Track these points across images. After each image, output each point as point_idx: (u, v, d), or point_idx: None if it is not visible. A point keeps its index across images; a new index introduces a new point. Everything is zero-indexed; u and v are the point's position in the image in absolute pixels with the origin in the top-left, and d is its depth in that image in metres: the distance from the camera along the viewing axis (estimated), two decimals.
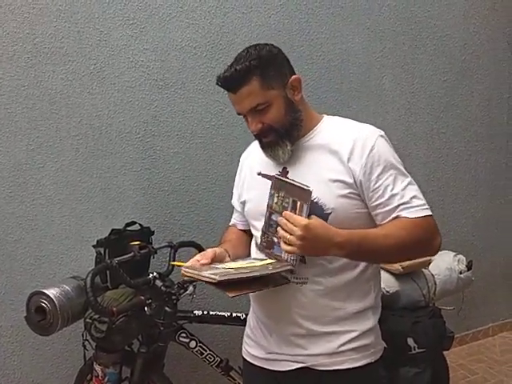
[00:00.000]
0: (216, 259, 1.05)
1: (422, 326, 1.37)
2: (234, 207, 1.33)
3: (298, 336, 1.09)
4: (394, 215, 1.03)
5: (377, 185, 1.03)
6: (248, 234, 1.28)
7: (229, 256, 1.11)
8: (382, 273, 1.50)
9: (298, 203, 0.97)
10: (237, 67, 1.02)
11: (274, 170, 1.13)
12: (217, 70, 1.94)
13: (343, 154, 1.05)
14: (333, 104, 2.21)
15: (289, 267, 0.98)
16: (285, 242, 0.94)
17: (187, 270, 0.95)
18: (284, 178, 1.03)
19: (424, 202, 1.06)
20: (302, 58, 2.13)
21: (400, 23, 2.33)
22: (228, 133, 2.01)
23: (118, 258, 1.45)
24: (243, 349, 1.24)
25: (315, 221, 0.95)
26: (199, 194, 2.00)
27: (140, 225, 1.79)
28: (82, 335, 1.52)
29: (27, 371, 1.81)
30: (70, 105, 1.79)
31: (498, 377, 2.27)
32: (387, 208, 1.03)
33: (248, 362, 1.21)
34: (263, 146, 1.11)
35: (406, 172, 1.09)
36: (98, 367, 1.53)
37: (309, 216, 0.96)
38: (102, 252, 1.59)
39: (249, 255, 1.21)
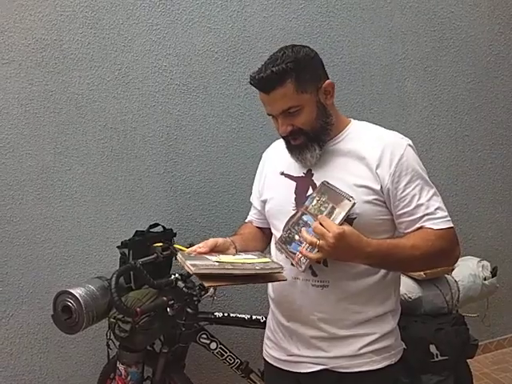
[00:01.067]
0: (217, 249, 1.04)
1: (444, 333, 1.35)
2: (252, 204, 1.32)
3: (319, 339, 1.10)
4: (418, 225, 1.05)
5: (404, 194, 1.04)
6: (263, 231, 1.29)
7: (235, 248, 1.10)
8: (404, 279, 1.49)
9: (336, 210, 0.96)
10: (273, 69, 1.01)
11: (298, 172, 1.13)
12: (238, 75, 2.00)
13: (371, 160, 1.05)
14: (354, 107, 2.20)
15: (279, 270, 0.98)
16: (311, 245, 0.94)
17: (179, 256, 0.98)
18: (331, 186, 1.02)
19: (447, 213, 1.08)
20: (323, 61, 2.12)
21: (422, 24, 2.30)
22: (248, 136, 2.03)
23: (142, 259, 1.48)
24: (264, 351, 1.25)
25: (349, 229, 0.94)
26: (220, 197, 2.02)
27: (163, 227, 1.82)
28: (106, 334, 1.55)
29: (53, 368, 1.86)
30: (95, 109, 1.83)
31: None
32: (412, 217, 1.05)
33: (269, 363, 1.21)
34: (291, 149, 1.11)
35: (430, 182, 1.10)
36: (121, 366, 1.57)
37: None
38: (126, 253, 1.62)
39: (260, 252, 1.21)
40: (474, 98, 2.44)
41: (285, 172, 1.16)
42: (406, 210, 1.05)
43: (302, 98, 1.03)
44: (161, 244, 1.60)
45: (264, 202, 1.21)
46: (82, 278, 1.81)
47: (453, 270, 1.57)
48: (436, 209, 1.06)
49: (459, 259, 1.70)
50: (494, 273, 1.63)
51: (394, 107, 2.28)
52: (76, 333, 1.52)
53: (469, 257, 1.74)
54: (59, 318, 1.51)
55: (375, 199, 1.05)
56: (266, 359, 1.23)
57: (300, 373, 1.12)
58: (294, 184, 1.13)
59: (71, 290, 1.50)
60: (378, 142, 1.07)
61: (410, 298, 1.43)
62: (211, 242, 1.05)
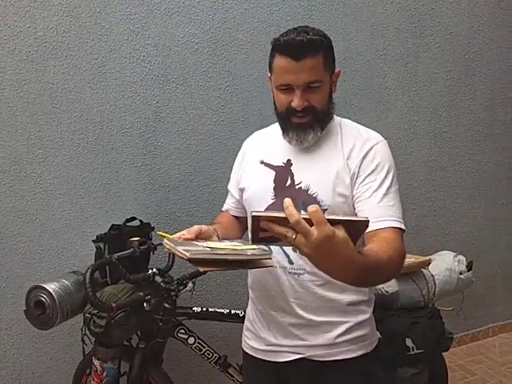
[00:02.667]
0: (201, 236, 1.02)
1: (420, 326, 1.36)
2: (229, 192, 1.30)
3: (296, 326, 1.11)
4: (368, 213, 0.98)
5: (364, 182, 1.05)
6: (239, 221, 1.28)
7: (217, 236, 1.09)
8: None
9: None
10: (312, 37, 0.99)
11: (278, 161, 1.13)
12: (218, 66, 1.97)
13: (345, 152, 1.08)
14: (335, 101, 2.19)
15: (268, 256, 0.95)
16: (285, 240, 0.72)
17: (167, 242, 0.95)
18: (338, 217, 0.73)
19: (400, 214, 1.03)
20: None
21: (404, 20, 2.31)
22: (229, 129, 2.01)
23: (118, 254, 1.45)
24: (243, 342, 1.25)
25: (342, 236, 0.70)
26: (200, 191, 2.00)
27: (140, 221, 1.79)
28: (81, 330, 1.53)
29: (27, 364, 1.82)
30: (70, 99, 1.78)
31: (498, 378, 2.26)
32: (366, 206, 1.03)
33: (248, 354, 1.21)
34: (290, 128, 1.08)
35: (395, 180, 1.08)
36: (96, 362, 1.54)
37: None
38: (102, 247, 1.59)
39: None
40: (453, 94, 2.47)
41: (264, 161, 1.16)
42: (362, 197, 1.04)
43: (324, 75, 1.03)
44: (138, 238, 1.57)
45: (242, 191, 1.20)
46: (56, 273, 1.78)
47: (429, 264, 1.59)
48: (391, 205, 1.03)
49: (436, 254, 1.75)
50: (469, 267, 1.66)
51: (374, 103, 2.29)
52: (49, 328, 1.50)
53: (445, 251, 1.76)
54: (32, 313, 1.48)
55: (345, 193, 1.05)
56: (245, 350, 1.23)
57: (278, 362, 1.13)
58: (273, 173, 1.13)
59: (44, 285, 1.47)
60: (352, 137, 1.10)
61: (387, 291, 1.44)
62: (196, 228, 1.02)
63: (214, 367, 1.65)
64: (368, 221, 0.74)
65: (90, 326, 1.45)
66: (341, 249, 0.70)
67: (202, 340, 1.63)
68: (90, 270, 1.32)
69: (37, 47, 1.72)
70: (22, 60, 1.71)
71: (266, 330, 1.15)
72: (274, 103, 1.12)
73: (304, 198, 1.06)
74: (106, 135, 1.84)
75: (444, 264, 1.63)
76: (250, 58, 2.02)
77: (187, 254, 0.84)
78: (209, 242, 0.98)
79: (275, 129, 1.21)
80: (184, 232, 1.00)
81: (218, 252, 0.89)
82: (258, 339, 1.18)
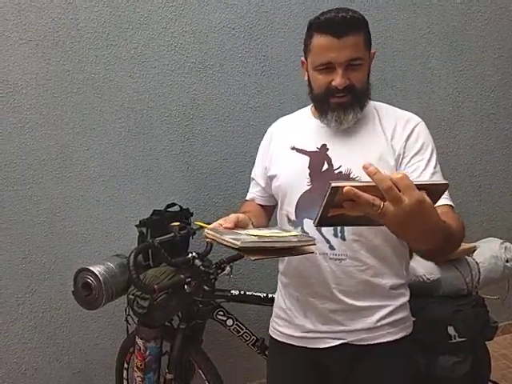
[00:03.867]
0: (239, 224, 1.01)
1: (463, 314, 1.32)
2: (253, 180, 1.28)
3: (337, 312, 1.10)
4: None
5: (410, 162, 1.05)
6: (264, 209, 1.26)
7: (252, 224, 1.08)
8: (424, 260, 1.46)
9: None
10: (353, 15, 1.00)
11: (311, 147, 1.12)
12: (255, 52, 1.96)
13: (387, 133, 1.08)
14: (376, 84, 2.10)
15: (313, 242, 0.94)
16: (373, 207, 0.65)
17: (210, 232, 0.93)
18: (422, 182, 0.72)
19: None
20: None
21: None
22: (265, 115, 2.00)
23: (160, 238, 1.49)
24: (272, 328, 1.24)
25: (429, 199, 0.68)
26: (236, 177, 2.02)
27: (180, 206, 1.83)
28: (125, 310, 1.60)
29: (75, 341, 1.93)
30: (112, 89, 1.83)
31: None
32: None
33: (278, 341, 1.20)
34: (329, 109, 1.06)
35: (436, 161, 1.08)
36: (139, 341, 1.61)
37: None
38: (145, 232, 1.64)
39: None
40: (502, 74, 2.33)
41: (296, 147, 1.14)
42: (410, 178, 1.00)
43: (365, 53, 1.04)
44: (178, 223, 1.61)
45: (272, 178, 1.18)
46: (101, 256, 1.86)
47: (474, 251, 1.53)
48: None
49: (481, 241, 1.69)
50: None
51: (417, 84, 2.20)
52: (96, 309, 1.56)
53: (491, 238, 1.69)
54: (79, 294, 1.55)
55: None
56: (275, 337, 1.22)
57: (317, 348, 1.12)
58: (307, 159, 1.11)
59: (91, 268, 1.53)
60: (392, 118, 1.10)
61: (428, 279, 1.41)
62: (233, 217, 1.00)
63: (251, 349, 1.69)
64: (448, 184, 0.70)
65: (133, 306, 1.51)
66: (430, 214, 0.67)
67: (240, 322, 1.66)
68: (133, 254, 1.36)
69: (79, 38, 1.78)
70: (65, 51, 1.77)
71: (302, 317, 1.14)
72: (310, 86, 1.10)
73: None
74: (146, 123, 1.88)
75: (490, 251, 1.56)
76: (287, 42, 1.99)
77: (238, 243, 0.83)
78: (249, 230, 0.98)
79: (303, 114, 1.20)
80: (221, 221, 0.98)
81: (266, 240, 0.87)
82: (292, 326, 1.16)
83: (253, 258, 0.86)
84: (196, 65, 1.91)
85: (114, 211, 1.89)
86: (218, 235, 0.90)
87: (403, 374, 1.12)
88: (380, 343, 1.09)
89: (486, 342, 1.51)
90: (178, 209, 1.82)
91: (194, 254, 1.53)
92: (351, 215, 0.68)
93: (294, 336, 1.16)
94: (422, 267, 1.44)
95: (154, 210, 1.76)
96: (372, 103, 1.15)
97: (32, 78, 1.75)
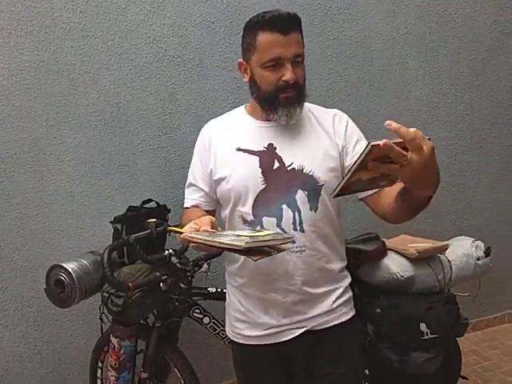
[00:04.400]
0: (213, 227, 0.98)
1: (435, 311, 1.35)
2: (192, 186, 1.25)
3: (299, 303, 1.14)
4: None
5: (354, 152, 1.13)
6: (210, 214, 1.20)
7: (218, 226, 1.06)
8: (398, 257, 1.49)
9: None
10: (293, 13, 1.06)
11: (257, 146, 1.13)
12: (235, 47, 1.94)
13: (329, 131, 1.15)
14: (354, 83, 2.16)
15: (292, 239, 0.97)
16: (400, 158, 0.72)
17: (195, 236, 0.90)
18: None
19: None
20: (323, 34, 2.07)
21: None
22: None
23: (135, 235, 1.47)
24: (232, 334, 1.23)
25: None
26: None
27: (157, 202, 1.81)
28: (99, 308, 1.57)
29: (47, 340, 1.88)
30: (87, 81, 1.79)
31: None
32: None
33: (241, 344, 1.20)
34: (278, 104, 1.09)
35: None
36: (114, 340, 1.58)
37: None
38: (120, 228, 1.61)
39: None
40: (476, 75, 2.39)
41: (242, 147, 1.14)
42: None
43: (303, 50, 1.10)
44: (154, 220, 1.59)
45: (219, 182, 1.16)
46: (74, 253, 1.82)
47: (446, 249, 1.56)
48: None
49: (453, 239, 1.72)
50: (487, 253, 1.63)
51: (394, 83, 2.23)
52: (69, 306, 1.54)
53: (463, 237, 1.73)
54: (52, 291, 1.52)
55: (336, 167, 1.13)
56: (238, 341, 1.21)
57: (281, 342, 1.15)
58: (256, 158, 1.12)
59: (64, 265, 1.50)
60: (327, 116, 1.18)
61: (402, 276, 1.43)
62: (208, 220, 0.98)
63: (228, 347, 1.68)
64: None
65: (107, 304, 1.49)
66: (435, 160, 0.76)
67: (216, 320, 1.65)
68: (107, 250, 1.34)
69: (54, 28, 1.73)
70: (39, 41, 1.72)
71: (263, 315, 1.15)
72: (256, 85, 1.12)
73: (301, 178, 1.10)
74: (122, 117, 1.85)
75: (461, 249, 1.60)
76: None
77: (242, 244, 0.81)
78: (228, 232, 0.97)
79: (238, 114, 1.22)
80: (192, 224, 0.96)
81: (259, 239, 0.86)
82: (253, 326, 1.17)
83: (255, 259, 0.86)
84: (175, 58, 1.89)
85: (88, 207, 1.85)
86: (209, 238, 0.88)
87: (357, 349, 1.23)
88: (336, 324, 1.16)
89: (457, 339, 1.55)
90: (155, 205, 1.80)
91: (170, 251, 1.51)
92: (365, 180, 0.75)
93: (257, 336, 1.17)
94: (396, 265, 1.47)
95: (130, 206, 1.73)
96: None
97: (4, 68, 1.69)
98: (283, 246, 0.93)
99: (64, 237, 1.84)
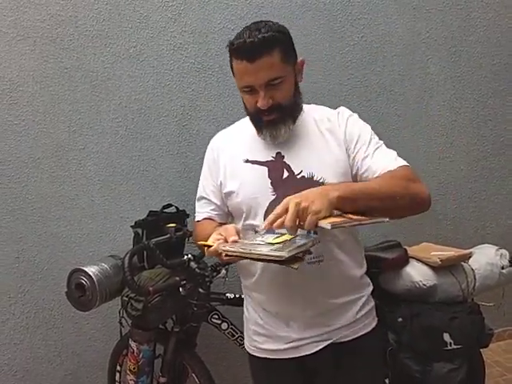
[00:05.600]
0: (238, 235, 0.97)
1: (459, 321, 1.32)
2: (203, 199, 1.24)
3: (320, 315, 1.11)
4: (371, 176, 1.06)
5: (355, 152, 1.09)
6: None
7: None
8: (420, 265, 1.47)
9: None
10: (264, 35, 0.98)
11: (265, 156, 1.12)
12: None
13: (334, 131, 1.12)
14: (374, 88, 2.14)
15: (317, 236, 0.96)
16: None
17: (227, 248, 0.89)
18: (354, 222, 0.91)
19: (395, 156, 1.09)
20: (343, 39, 2.06)
21: (448, 2, 2.20)
22: None
23: (155, 239, 1.47)
24: (252, 348, 1.21)
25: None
26: None
27: (176, 207, 1.82)
28: (119, 312, 1.58)
29: (67, 343, 1.90)
30: (110, 87, 1.82)
31: None
32: (365, 170, 1.08)
33: (262, 358, 1.17)
34: (262, 126, 1.09)
35: (377, 139, 1.13)
36: (133, 344, 1.59)
37: None
38: (140, 233, 1.62)
39: None
40: (500, 80, 2.34)
41: (250, 159, 1.13)
42: (358, 168, 1.09)
43: (285, 69, 1.03)
44: (174, 225, 1.60)
45: (228, 195, 1.16)
46: (95, 257, 1.84)
47: (470, 257, 1.53)
48: (383, 156, 1.08)
49: (476, 247, 1.69)
50: None
51: (415, 89, 2.20)
52: (89, 310, 1.55)
53: (486, 245, 1.69)
54: (73, 295, 1.54)
55: (346, 172, 1.10)
56: (258, 355, 1.18)
57: (304, 356, 1.12)
58: (264, 169, 1.11)
59: (85, 268, 1.52)
60: (331, 114, 1.15)
61: (424, 285, 1.40)
62: (232, 229, 0.98)
63: (245, 353, 1.67)
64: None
65: (127, 308, 1.49)
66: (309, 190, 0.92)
67: (234, 326, 1.65)
68: (128, 255, 1.35)
69: (78, 36, 1.76)
70: (63, 48, 1.75)
71: (285, 328, 1.13)
72: (244, 105, 1.12)
73: (312, 186, 1.04)
74: (143, 123, 1.87)
75: (485, 258, 1.56)
76: None
77: (285, 255, 0.80)
78: (253, 240, 0.94)
79: (245, 125, 1.19)
80: (216, 235, 0.96)
81: (297, 245, 0.86)
82: (274, 340, 1.14)
83: (296, 267, 0.84)
84: (195, 65, 1.90)
85: (109, 211, 1.87)
86: (244, 250, 0.86)
87: (380, 359, 1.22)
88: (360, 336, 1.13)
89: (480, 349, 1.51)
90: (175, 210, 1.81)
91: (189, 256, 1.51)
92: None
93: (279, 349, 1.14)
94: (418, 273, 1.44)
95: (150, 211, 1.74)
96: (306, 107, 1.18)
97: (29, 75, 1.73)
98: (312, 247, 0.93)
99: (85, 240, 1.86)
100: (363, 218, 0.91)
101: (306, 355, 1.11)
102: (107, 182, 1.86)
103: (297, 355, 1.12)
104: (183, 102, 1.90)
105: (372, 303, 1.20)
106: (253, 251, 0.85)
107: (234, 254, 0.87)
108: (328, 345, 1.11)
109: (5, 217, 1.77)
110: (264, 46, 0.98)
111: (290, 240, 0.89)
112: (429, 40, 2.20)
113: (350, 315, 1.12)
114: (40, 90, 1.75)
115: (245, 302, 1.25)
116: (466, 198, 2.36)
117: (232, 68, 1.07)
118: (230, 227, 0.99)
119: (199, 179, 1.91)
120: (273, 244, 0.87)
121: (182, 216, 1.78)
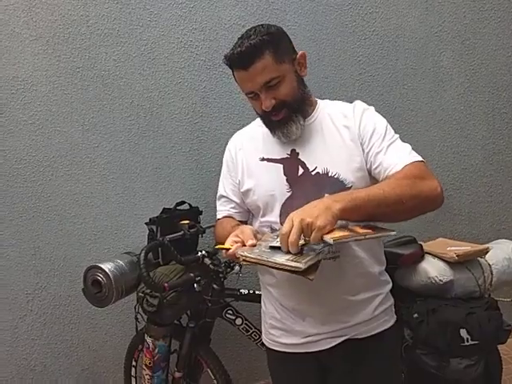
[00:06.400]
0: (255, 237, 0.98)
1: (476, 317, 1.30)
2: (223, 198, 1.27)
3: (337, 311, 1.10)
4: (384, 172, 1.05)
5: (369, 147, 1.08)
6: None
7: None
8: (436, 261, 1.45)
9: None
10: (250, 42, 1.01)
11: (280, 154, 1.13)
12: None
13: (349, 125, 1.11)
14: (386, 82, 2.12)
15: (331, 243, 0.94)
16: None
17: (245, 254, 0.89)
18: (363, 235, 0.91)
19: (410, 151, 1.07)
20: (354, 34, 2.04)
21: None
22: None
23: (170, 236, 1.49)
24: (269, 341, 1.22)
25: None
26: None
27: (189, 204, 1.82)
28: (135, 308, 1.59)
29: (83, 338, 1.93)
30: (121, 86, 1.83)
31: None
32: (378, 166, 1.06)
33: (279, 352, 1.18)
34: (273, 125, 1.10)
35: (393, 133, 1.12)
36: (148, 339, 1.61)
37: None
38: (154, 229, 1.64)
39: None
40: None
41: (265, 157, 1.15)
42: (372, 163, 1.08)
43: (281, 68, 1.04)
44: (187, 221, 1.61)
45: (246, 193, 1.17)
46: (111, 253, 1.86)
47: (486, 252, 1.51)
48: (398, 150, 1.06)
49: (492, 242, 1.67)
50: None
51: (428, 83, 2.18)
52: (105, 306, 1.56)
53: (503, 240, 1.67)
54: (89, 291, 1.55)
55: (362, 167, 1.08)
56: (275, 349, 1.20)
57: (321, 350, 1.12)
58: (280, 166, 1.12)
59: (101, 265, 1.53)
60: (347, 109, 1.14)
61: (441, 280, 1.39)
62: (249, 231, 0.98)
63: (259, 348, 1.68)
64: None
65: (143, 304, 1.51)
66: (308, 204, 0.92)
67: (248, 321, 1.65)
68: (144, 251, 1.36)
69: (89, 35, 1.77)
70: (75, 48, 1.77)
71: (301, 323, 1.13)
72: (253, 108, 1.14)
73: (327, 182, 1.06)
74: (155, 121, 1.88)
75: (502, 253, 1.54)
76: (298, 39, 1.97)
77: (302, 266, 0.80)
78: (271, 244, 0.93)
79: (260, 124, 1.19)
80: (233, 237, 0.97)
81: (310, 254, 0.86)
82: (291, 334, 1.15)
83: (311, 278, 0.84)
84: (206, 62, 1.90)
85: (123, 209, 1.89)
86: (262, 258, 0.86)
87: (398, 356, 1.22)
88: (378, 333, 1.12)
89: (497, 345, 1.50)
90: (188, 207, 1.82)
91: (203, 252, 1.52)
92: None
93: (295, 344, 1.15)
94: (434, 269, 1.43)
95: (164, 208, 1.75)
96: (319, 102, 1.18)
97: (42, 75, 1.75)
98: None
99: (100, 238, 1.88)
100: (368, 231, 0.91)
101: (322, 350, 1.12)
102: (121, 180, 1.87)
103: (312, 350, 1.13)
104: (195, 99, 1.91)
105: (391, 301, 1.19)
106: (270, 259, 0.85)
107: (253, 260, 0.88)
108: (344, 341, 1.11)
109: (21, 215, 1.80)
110: (253, 52, 1.01)
111: (306, 245, 0.89)
112: (441, 33, 2.17)
113: (367, 312, 1.12)
114: (53, 90, 1.77)
115: (262, 295, 1.26)
116: (481, 192, 2.33)
117: (235, 78, 1.10)
118: (247, 229, 1.00)
119: (211, 176, 1.95)
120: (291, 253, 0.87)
121: (195, 213, 1.79)
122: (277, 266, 0.84)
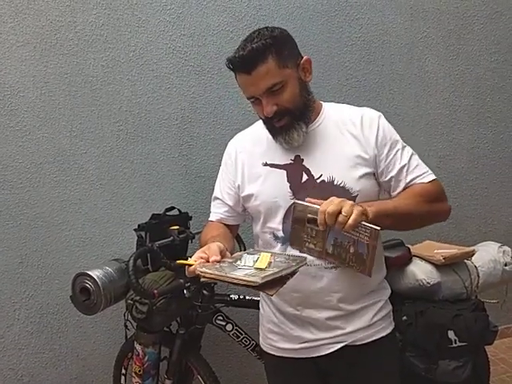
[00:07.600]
0: (222, 255, 0.93)
1: (463, 319, 1.32)
2: (217, 200, 1.23)
3: (335, 318, 1.10)
4: (403, 185, 1.09)
5: (387, 161, 1.09)
6: (231, 229, 1.21)
7: (226, 250, 0.99)
8: (423, 264, 1.47)
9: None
10: (253, 45, 0.99)
11: (284, 159, 1.10)
12: None
13: (357, 134, 1.09)
14: (373, 87, 2.15)
15: (306, 262, 0.97)
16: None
17: (207, 271, 0.85)
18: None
19: (427, 168, 1.12)
20: (341, 40, 2.07)
21: (445, 0, 2.21)
22: None
23: (159, 242, 1.48)
24: (266, 345, 1.21)
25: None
26: None
27: (179, 210, 1.82)
28: (124, 315, 1.58)
29: (72, 347, 1.90)
30: (110, 92, 1.82)
31: None
32: (398, 180, 1.09)
33: (277, 356, 1.17)
34: (275, 132, 1.08)
35: (405, 144, 1.14)
36: (138, 346, 1.59)
37: None
38: (143, 236, 1.63)
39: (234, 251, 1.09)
40: (498, 77, 2.35)
41: (268, 162, 1.12)
42: (391, 175, 1.09)
43: (284, 73, 1.02)
44: (177, 227, 1.60)
45: (247, 198, 1.15)
46: (99, 260, 1.84)
47: (473, 255, 1.53)
48: (416, 166, 1.10)
49: (479, 245, 1.69)
50: None
51: (414, 87, 2.21)
52: (94, 314, 1.55)
53: (489, 242, 1.70)
54: (78, 299, 1.54)
55: (368, 173, 1.08)
56: (272, 353, 1.19)
57: (318, 356, 1.12)
58: (283, 173, 1.10)
59: (89, 272, 1.52)
60: (355, 115, 1.12)
61: (428, 283, 1.40)
62: (215, 248, 0.94)
63: (250, 354, 1.68)
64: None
65: (132, 311, 1.50)
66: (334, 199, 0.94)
67: (239, 327, 1.65)
68: (133, 258, 1.35)
69: (77, 41, 1.77)
70: (63, 54, 1.76)
71: (299, 328, 1.13)
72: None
73: (332, 191, 1.03)
74: (144, 127, 1.87)
75: (488, 255, 1.56)
76: None
77: (258, 281, 0.78)
78: (240, 260, 0.92)
79: (263, 127, 1.15)
80: (200, 253, 0.93)
81: (274, 270, 0.84)
82: (289, 339, 1.14)
83: (271, 293, 0.83)
84: (194, 68, 1.91)
85: (111, 215, 1.88)
86: (220, 273, 0.83)
87: (396, 362, 1.19)
88: (376, 340, 1.11)
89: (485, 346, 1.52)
90: (177, 212, 1.81)
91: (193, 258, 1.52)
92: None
93: (293, 349, 1.14)
94: (422, 271, 1.45)
95: (153, 214, 1.74)
96: (325, 106, 1.15)
97: (29, 81, 1.74)
98: (299, 268, 0.93)
99: (88, 244, 1.86)
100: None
101: (320, 356, 1.11)
102: (109, 186, 1.86)
103: (310, 356, 1.12)
104: (183, 104, 1.91)
105: (389, 307, 1.17)
106: (228, 275, 0.83)
107: (210, 276, 0.85)
108: (342, 347, 1.10)
109: (8, 222, 1.78)
110: (256, 56, 0.99)
111: (271, 262, 0.88)
112: (426, 39, 2.21)
113: (365, 319, 1.11)
114: (40, 96, 1.76)
115: (260, 298, 1.25)
116: (467, 195, 2.37)
117: (237, 81, 1.08)
118: (214, 246, 0.96)
119: (201, 181, 1.95)
120: (249, 267, 0.86)
121: (184, 218, 1.79)
122: (234, 281, 0.82)
